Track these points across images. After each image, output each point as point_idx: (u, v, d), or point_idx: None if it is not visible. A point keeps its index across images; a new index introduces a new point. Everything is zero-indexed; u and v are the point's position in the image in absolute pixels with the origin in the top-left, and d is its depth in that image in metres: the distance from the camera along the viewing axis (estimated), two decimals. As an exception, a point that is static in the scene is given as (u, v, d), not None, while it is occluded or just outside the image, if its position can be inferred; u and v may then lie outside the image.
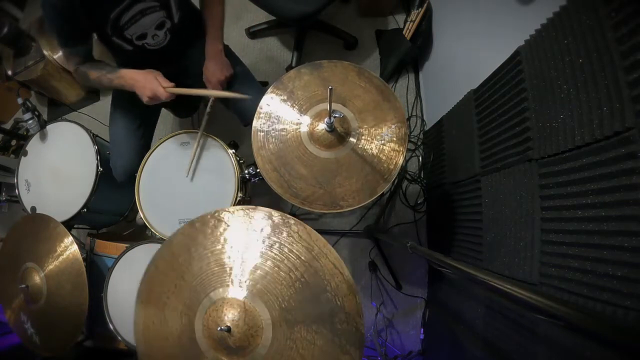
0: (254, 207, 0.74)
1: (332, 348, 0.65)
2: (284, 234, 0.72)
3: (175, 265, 0.73)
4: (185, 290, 0.72)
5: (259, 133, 0.95)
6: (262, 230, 0.72)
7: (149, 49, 1.11)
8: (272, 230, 0.72)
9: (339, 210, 0.89)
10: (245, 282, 0.70)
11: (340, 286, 0.67)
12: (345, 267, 0.68)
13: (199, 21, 1.17)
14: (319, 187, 0.90)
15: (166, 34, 1.11)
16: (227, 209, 0.74)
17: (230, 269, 0.71)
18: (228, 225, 0.74)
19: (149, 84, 1.01)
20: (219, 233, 0.73)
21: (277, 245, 0.71)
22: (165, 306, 0.72)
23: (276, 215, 0.72)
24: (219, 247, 0.73)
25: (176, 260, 0.74)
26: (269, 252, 0.71)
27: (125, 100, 1.25)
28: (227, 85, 1.18)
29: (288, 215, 0.72)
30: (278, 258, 0.70)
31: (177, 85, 1.04)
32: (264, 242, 0.72)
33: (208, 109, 1.17)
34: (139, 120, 1.29)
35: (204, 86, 1.16)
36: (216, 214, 0.74)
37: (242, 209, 0.74)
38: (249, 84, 1.24)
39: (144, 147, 1.29)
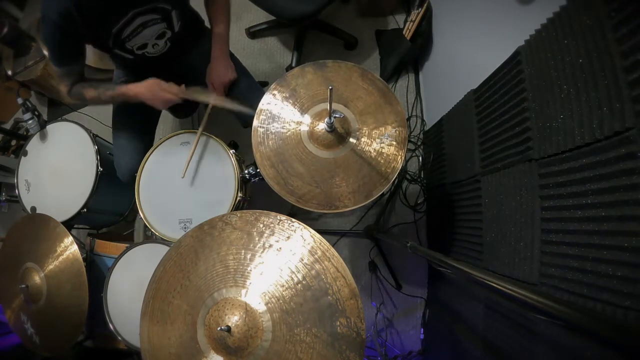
0: (260, 210, 0.75)
1: (332, 353, 0.65)
2: (289, 237, 0.72)
3: (182, 266, 0.75)
4: (191, 290, 0.73)
5: (259, 129, 0.95)
6: (266, 233, 0.73)
7: (149, 57, 1.12)
8: (276, 234, 0.73)
9: (333, 211, 0.89)
10: (248, 283, 0.70)
11: (342, 290, 0.67)
12: (347, 270, 0.68)
13: (199, 26, 1.17)
14: (315, 186, 0.90)
15: (166, 42, 1.11)
16: (234, 213, 0.76)
17: (235, 270, 0.72)
18: (234, 228, 0.75)
19: (158, 96, 1.03)
20: (225, 235, 0.74)
21: (281, 247, 0.71)
22: (170, 305, 0.73)
23: (281, 218, 0.73)
24: (225, 248, 0.73)
25: (183, 261, 0.75)
26: (273, 255, 0.71)
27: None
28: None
29: (293, 219, 0.72)
30: (281, 260, 0.71)
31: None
32: (268, 245, 0.72)
33: (208, 110, 1.16)
34: (141, 121, 1.29)
35: (204, 84, 1.15)
36: (224, 217, 0.76)
37: (248, 213, 0.75)
38: (249, 86, 1.24)
39: (147, 146, 1.29)
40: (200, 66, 1.15)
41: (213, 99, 1.10)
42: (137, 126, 1.28)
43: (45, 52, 1.81)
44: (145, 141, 1.30)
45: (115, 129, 1.30)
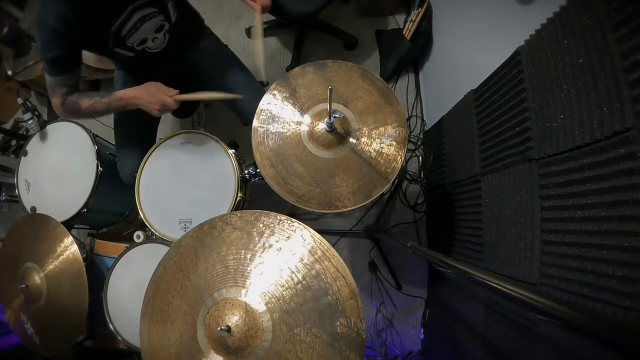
0: (260, 210, 0.75)
1: (332, 353, 0.65)
2: (289, 237, 0.72)
3: (182, 266, 0.75)
4: (191, 290, 0.73)
5: (259, 129, 0.95)
6: (266, 233, 0.73)
7: (149, 52, 1.12)
8: (276, 234, 0.73)
9: (333, 211, 0.89)
10: (248, 283, 0.70)
11: (342, 289, 0.67)
12: (347, 270, 0.68)
13: (195, 19, 1.17)
14: (315, 186, 0.90)
15: (165, 35, 1.11)
16: (234, 213, 0.76)
17: (235, 270, 0.72)
18: (234, 228, 0.75)
19: (155, 97, 1.02)
20: (225, 235, 0.74)
21: (281, 247, 0.71)
22: (170, 305, 0.73)
23: (281, 218, 0.73)
24: (225, 248, 0.73)
25: (183, 261, 0.75)
26: (273, 255, 0.71)
27: None
28: (223, 87, 1.16)
29: (293, 219, 0.72)
30: (281, 260, 0.71)
31: (179, 88, 1.04)
32: (268, 245, 0.72)
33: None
34: (143, 121, 1.29)
35: (205, 82, 1.15)
36: (224, 217, 0.76)
37: (248, 213, 0.75)
38: (249, 84, 1.24)
39: (149, 147, 1.29)
40: (200, 64, 1.15)
41: (206, 95, 1.06)
42: (139, 127, 1.28)
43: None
44: (147, 142, 1.30)
45: (117, 130, 1.29)
